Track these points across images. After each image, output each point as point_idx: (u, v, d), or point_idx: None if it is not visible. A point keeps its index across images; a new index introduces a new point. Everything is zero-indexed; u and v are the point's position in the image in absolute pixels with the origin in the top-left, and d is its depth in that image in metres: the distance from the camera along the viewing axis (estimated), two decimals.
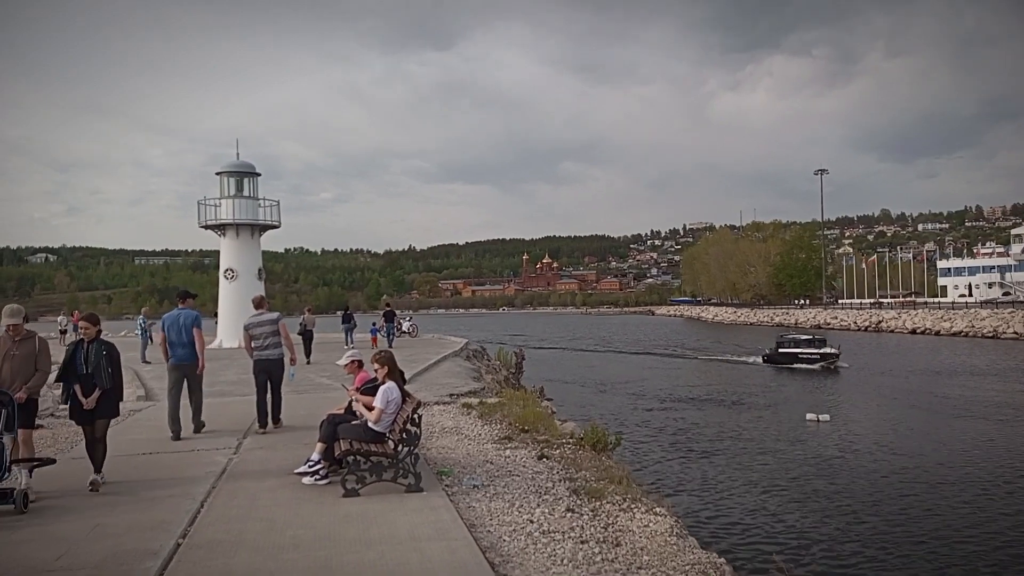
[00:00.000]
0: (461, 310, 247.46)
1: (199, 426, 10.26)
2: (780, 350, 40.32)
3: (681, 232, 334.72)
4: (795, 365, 38.23)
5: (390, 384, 7.53)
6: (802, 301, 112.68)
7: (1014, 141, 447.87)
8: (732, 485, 14.93)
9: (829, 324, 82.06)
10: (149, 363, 21.77)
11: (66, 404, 7.56)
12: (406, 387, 7.99)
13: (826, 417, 22.38)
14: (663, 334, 78.71)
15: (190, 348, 10.05)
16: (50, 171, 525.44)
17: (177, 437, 9.87)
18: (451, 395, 14.17)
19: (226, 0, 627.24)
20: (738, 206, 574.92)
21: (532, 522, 6.43)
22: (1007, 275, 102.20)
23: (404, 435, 7.20)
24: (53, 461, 7.27)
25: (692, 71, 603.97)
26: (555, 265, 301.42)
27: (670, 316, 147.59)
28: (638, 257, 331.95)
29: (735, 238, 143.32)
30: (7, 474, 6.48)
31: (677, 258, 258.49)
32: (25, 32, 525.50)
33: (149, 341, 24.29)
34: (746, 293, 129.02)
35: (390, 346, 26.00)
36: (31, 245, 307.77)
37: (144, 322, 25.27)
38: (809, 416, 22.57)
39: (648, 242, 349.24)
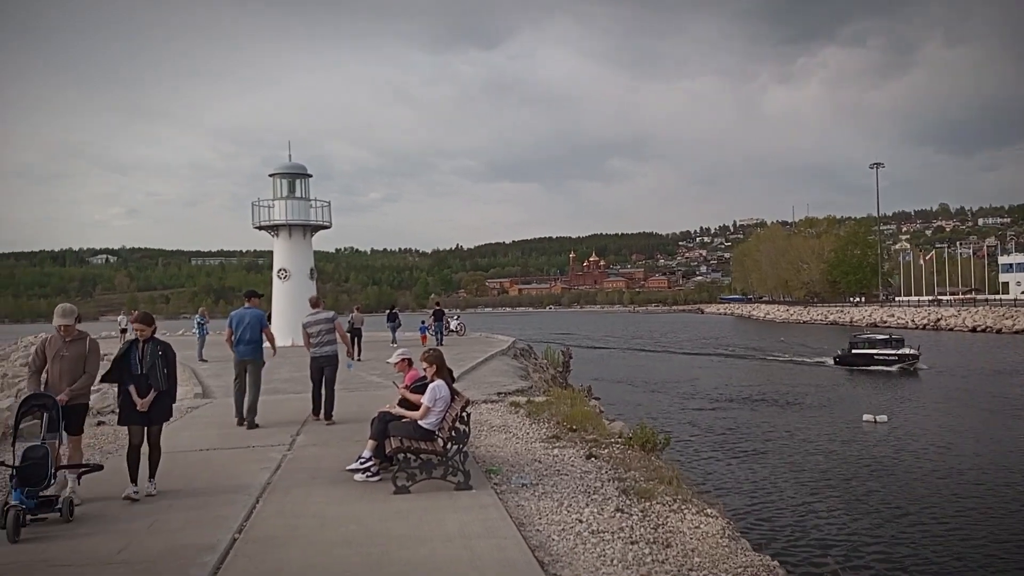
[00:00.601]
0: (508, 309, 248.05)
1: (251, 424, 10.62)
2: (854, 351, 38.21)
3: (731, 228, 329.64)
4: (871, 367, 36.12)
5: (439, 382, 7.60)
6: (857, 299, 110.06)
7: None
8: (785, 486, 14.66)
9: (885, 322, 79.86)
10: (206, 361, 22.33)
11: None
12: (455, 385, 8.05)
13: (883, 418, 21.83)
14: (714, 333, 77.68)
15: (254, 345, 10.73)
16: (109, 174, 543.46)
17: (241, 422, 10.66)
18: (499, 393, 14.21)
19: (279, 5, 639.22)
20: (790, 201, 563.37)
21: (581, 522, 6.41)
22: None
23: (453, 433, 7.25)
24: (100, 467, 7.06)
25: (742, 64, 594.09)
26: (602, 263, 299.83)
27: (720, 314, 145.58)
28: (687, 254, 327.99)
29: (787, 234, 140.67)
30: (53, 480, 6.25)
31: (727, 255, 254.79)
32: (83, 40, 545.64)
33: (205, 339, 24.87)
34: (799, 291, 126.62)
35: (439, 344, 26.19)
36: (92, 247, 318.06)
37: (202, 320, 25.85)
38: (866, 417, 22.04)
39: (697, 239, 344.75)
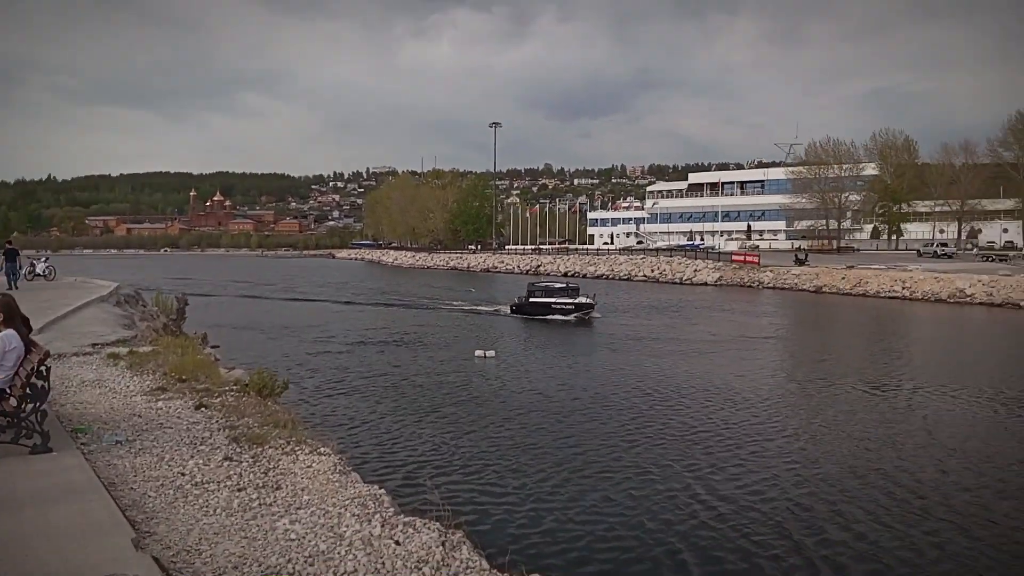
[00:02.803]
0: (114, 251, 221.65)
1: None
2: (531, 299, 36.75)
3: (364, 175, 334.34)
4: (548, 316, 35.21)
5: (8, 332, 6.53)
6: (474, 246, 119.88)
7: (656, 108, 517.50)
8: (399, 418, 15.53)
9: (496, 268, 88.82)
10: None
11: None
12: (33, 336, 6.99)
13: (492, 353, 24.19)
14: (347, 278, 78.51)
15: None
16: None
17: None
18: (94, 345, 12.70)
19: None
20: (421, 152, 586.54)
21: (184, 475, 6.12)
22: (641, 226, 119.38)
23: (29, 390, 6.32)
24: None
25: (381, 13, 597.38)
26: (228, 203, 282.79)
27: (351, 259, 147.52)
28: (320, 199, 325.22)
29: (416, 184, 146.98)
30: None
31: (360, 201, 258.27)
32: None
33: None
34: (425, 238, 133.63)
35: (11, 289, 22.51)
36: None
37: None
38: (477, 353, 24.23)
39: (331, 184, 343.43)
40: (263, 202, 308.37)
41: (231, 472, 6.30)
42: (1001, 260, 57.40)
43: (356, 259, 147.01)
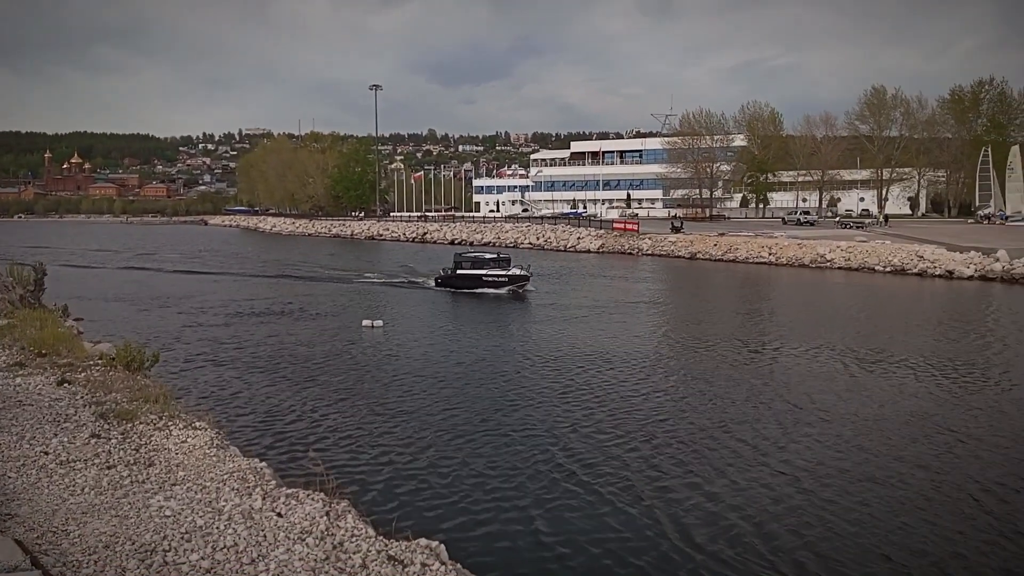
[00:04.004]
0: None
1: None
2: (459, 271, 34.27)
3: (237, 137, 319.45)
4: (478, 289, 33.16)
5: None
6: (358, 213, 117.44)
7: (537, 76, 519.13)
8: (282, 392, 15.22)
9: (382, 235, 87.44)
10: None
11: None
12: None
13: (379, 323, 23.95)
14: (223, 246, 75.19)
15: None
16: None
17: None
18: None
19: None
20: (298, 114, 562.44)
21: (47, 454, 5.81)
22: (526, 194, 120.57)
23: None
24: None
25: None
26: (87, 166, 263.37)
27: (226, 226, 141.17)
28: (189, 162, 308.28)
29: (294, 147, 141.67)
30: None
31: (233, 165, 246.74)
32: None
33: None
34: (304, 204, 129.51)
35: None
36: None
37: None
38: (364, 323, 23.92)
39: (200, 146, 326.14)
40: (126, 165, 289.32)
41: (99, 450, 6.03)
42: (858, 227, 62.05)
43: (231, 226, 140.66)
